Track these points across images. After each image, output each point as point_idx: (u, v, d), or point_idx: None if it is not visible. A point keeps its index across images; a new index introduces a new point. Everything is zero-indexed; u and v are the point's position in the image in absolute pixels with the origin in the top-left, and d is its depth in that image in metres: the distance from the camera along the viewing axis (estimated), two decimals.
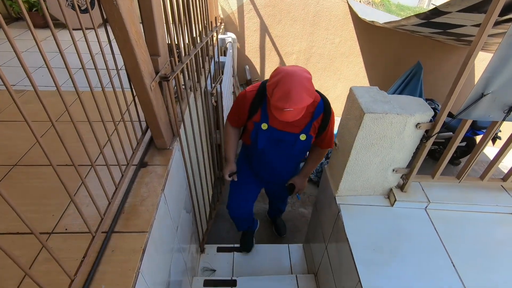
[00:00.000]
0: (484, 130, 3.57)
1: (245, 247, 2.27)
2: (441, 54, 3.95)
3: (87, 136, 0.90)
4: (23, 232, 1.09)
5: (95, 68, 0.96)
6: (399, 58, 4.05)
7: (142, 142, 1.44)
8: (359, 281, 1.22)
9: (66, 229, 1.10)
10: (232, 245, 2.34)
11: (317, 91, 1.41)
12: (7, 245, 0.57)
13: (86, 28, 0.86)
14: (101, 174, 1.00)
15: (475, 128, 3.55)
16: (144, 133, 1.46)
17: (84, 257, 0.93)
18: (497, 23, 1.50)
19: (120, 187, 1.16)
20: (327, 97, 1.46)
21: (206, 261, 2.20)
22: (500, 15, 1.25)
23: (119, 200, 1.18)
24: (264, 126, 1.47)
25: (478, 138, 4.22)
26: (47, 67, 0.72)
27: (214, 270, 2.15)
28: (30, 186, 1.30)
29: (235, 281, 1.95)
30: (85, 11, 3.24)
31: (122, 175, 1.19)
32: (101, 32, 0.95)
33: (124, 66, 1.12)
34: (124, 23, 0.97)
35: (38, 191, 1.28)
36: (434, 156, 3.93)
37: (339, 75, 4.36)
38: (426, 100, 3.74)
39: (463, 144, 3.81)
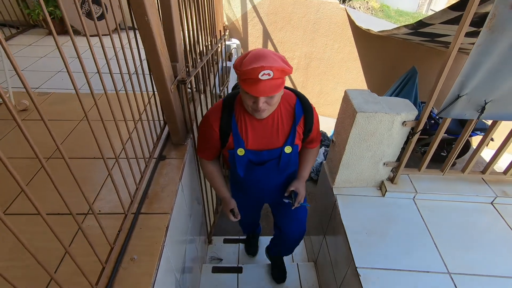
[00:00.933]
0: (478, 132, 3.75)
1: (251, 251, 2.37)
2: (436, 59, 4.14)
3: (114, 132, 1.02)
4: (62, 213, 1.27)
5: (129, 72, 1.15)
6: (395, 63, 4.25)
7: (161, 138, 1.62)
8: (353, 259, 1.39)
9: (99, 211, 1.28)
10: (237, 237, 2.51)
11: (290, 89, 1.31)
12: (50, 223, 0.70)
13: (103, 35, 0.89)
14: (126, 165, 1.17)
15: None
16: (162, 130, 1.64)
17: (119, 231, 1.11)
18: (476, 33, 1.68)
19: (145, 175, 1.34)
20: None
21: (214, 251, 2.37)
22: (477, 26, 1.44)
23: (143, 187, 1.36)
24: (240, 152, 1.28)
25: (475, 139, 4.39)
26: (102, 68, 0.90)
27: (221, 259, 2.31)
28: (63, 176, 1.48)
29: (241, 268, 2.12)
30: (99, 18, 3.45)
31: (146, 165, 1.38)
32: (113, 38, 1.01)
33: (148, 70, 1.31)
34: (153, 35, 1.16)
35: (70, 179, 1.45)
36: (432, 158, 4.09)
37: (338, 79, 4.55)
38: (422, 102, 3.92)
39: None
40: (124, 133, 1.13)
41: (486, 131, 1.53)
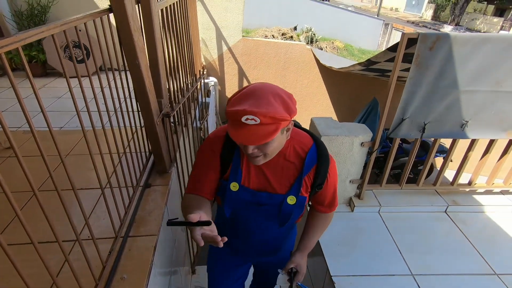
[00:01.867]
0: (438, 154, 4.13)
1: None
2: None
3: (99, 165, 1.10)
4: (52, 241, 1.32)
5: (121, 109, 1.31)
6: (359, 94, 4.70)
7: (147, 167, 1.74)
8: (327, 269, 1.52)
9: (88, 237, 1.35)
10: None
11: (309, 132, 1.07)
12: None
13: (91, 75, 1.16)
14: (116, 192, 1.28)
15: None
16: (148, 160, 1.77)
17: (110, 252, 1.19)
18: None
19: (133, 201, 1.45)
20: None
21: (197, 280, 2.38)
22: (409, 62, 1.76)
23: (131, 213, 1.45)
24: (233, 186, 1.03)
25: (437, 161, 4.79)
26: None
27: None
28: (52, 206, 1.54)
29: None
30: (81, 61, 3.64)
31: (134, 192, 1.48)
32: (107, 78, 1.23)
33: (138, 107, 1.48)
34: (143, 77, 1.35)
35: (59, 210, 1.52)
36: (398, 179, 4.41)
37: (310, 111, 4.92)
38: (385, 129, 4.31)
39: (421, 167, 4.33)
40: (111, 165, 1.26)
41: (445, 153, 1.80)
